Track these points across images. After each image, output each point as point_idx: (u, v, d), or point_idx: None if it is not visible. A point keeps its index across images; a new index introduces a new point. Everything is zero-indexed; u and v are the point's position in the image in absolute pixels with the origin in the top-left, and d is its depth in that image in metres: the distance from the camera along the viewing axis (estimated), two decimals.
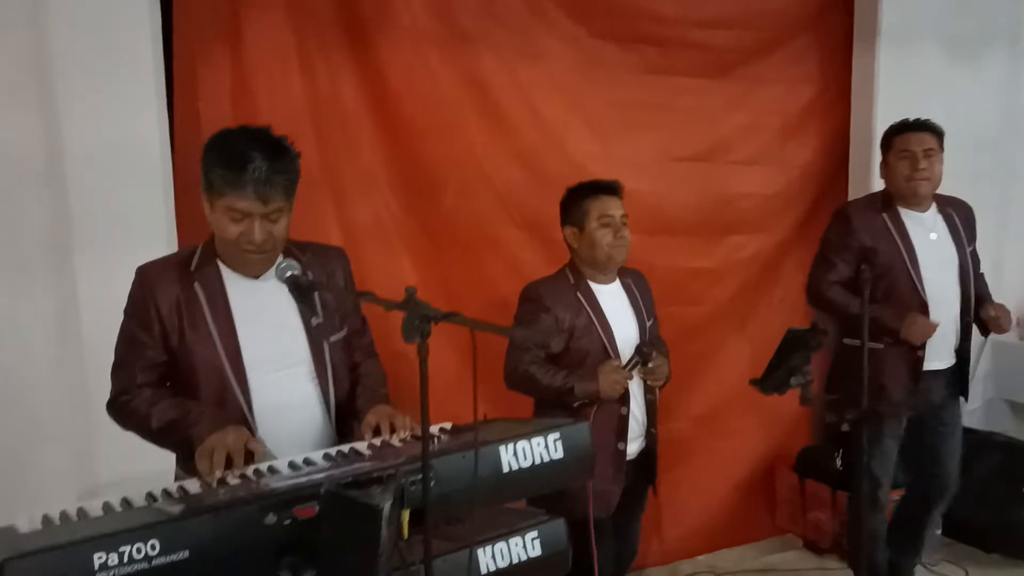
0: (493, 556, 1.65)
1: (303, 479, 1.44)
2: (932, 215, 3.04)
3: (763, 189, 3.80)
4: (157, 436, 1.78)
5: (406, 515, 1.38)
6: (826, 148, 3.93)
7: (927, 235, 3.00)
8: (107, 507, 1.42)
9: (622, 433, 2.57)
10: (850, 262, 2.98)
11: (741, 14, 3.62)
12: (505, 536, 1.68)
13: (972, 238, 3.09)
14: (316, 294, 1.83)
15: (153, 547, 1.22)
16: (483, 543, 1.65)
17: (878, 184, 3.75)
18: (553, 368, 2.55)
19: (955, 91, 3.65)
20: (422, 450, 1.33)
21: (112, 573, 1.18)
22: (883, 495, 3.11)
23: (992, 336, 3.23)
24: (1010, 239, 3.28)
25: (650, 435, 2.69)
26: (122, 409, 1.82)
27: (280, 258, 1.85)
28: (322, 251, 2.03)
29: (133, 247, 2.24)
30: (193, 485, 1.53)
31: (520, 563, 1.68)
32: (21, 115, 2.28)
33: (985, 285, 3.18)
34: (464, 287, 3.29)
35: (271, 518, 1.31)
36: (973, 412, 3.97)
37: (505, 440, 1.57)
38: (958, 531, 3.73)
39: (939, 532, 3.64)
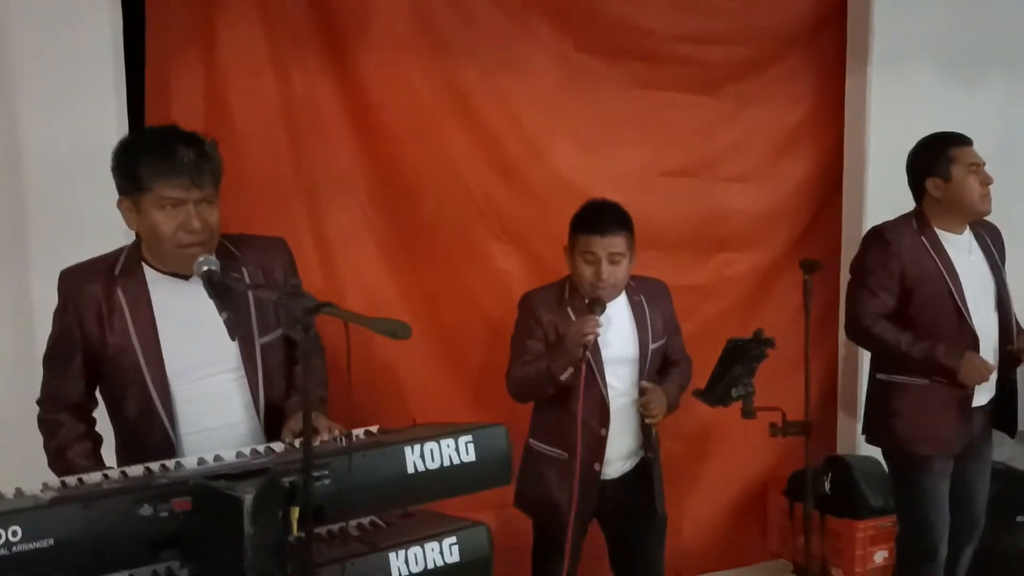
0: (407, 560, 1.62)
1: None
2: (968, 237, 2.84)
3: (755, 205, 3.74)
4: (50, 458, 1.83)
5: (295, 512, 1.35)
6: (821, 166, 3.86)
7: (967, 258, 2.78)
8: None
9: (599, 453, 2.49)
10: (893, 291, 2.74)
11: (733, 30, 3.58)
12: (421, 541, 1.65)
13: (1003, 260, 2.91)
14: (236, 293, 1.79)
15: (14, 533, 1.20)
16: (396, 547, 1.62)
17: (873, 203, 3.70)
18: (533, 361, 2.48)
19: (951, 110, 3.56)
20: (303, 446, 1.29)
21: None
22: (941, 544, 2.84)
23: None
24: (1012, 261, 3.17)
25: (647, 457, 2.61)
26: (41, 424, 1.86)
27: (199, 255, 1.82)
28: (260, 244, 2.01)
29: (90, 248, 2.24)
30: (94, 477, 1.51)
31: (437, 568, 1.65)
32: None
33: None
34: (444, 298, 3.28)
35: (146, 509, 1.29)
36: None
37: (411, 441, 1.54)
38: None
39: None
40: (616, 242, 2.45)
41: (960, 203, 2.76)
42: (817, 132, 3.84)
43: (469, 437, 1.59)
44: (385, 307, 3.17)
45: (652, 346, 2.57)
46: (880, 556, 3.43)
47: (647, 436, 2.58)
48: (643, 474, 2.62)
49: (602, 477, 2.54)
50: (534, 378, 2.44)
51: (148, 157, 1.73)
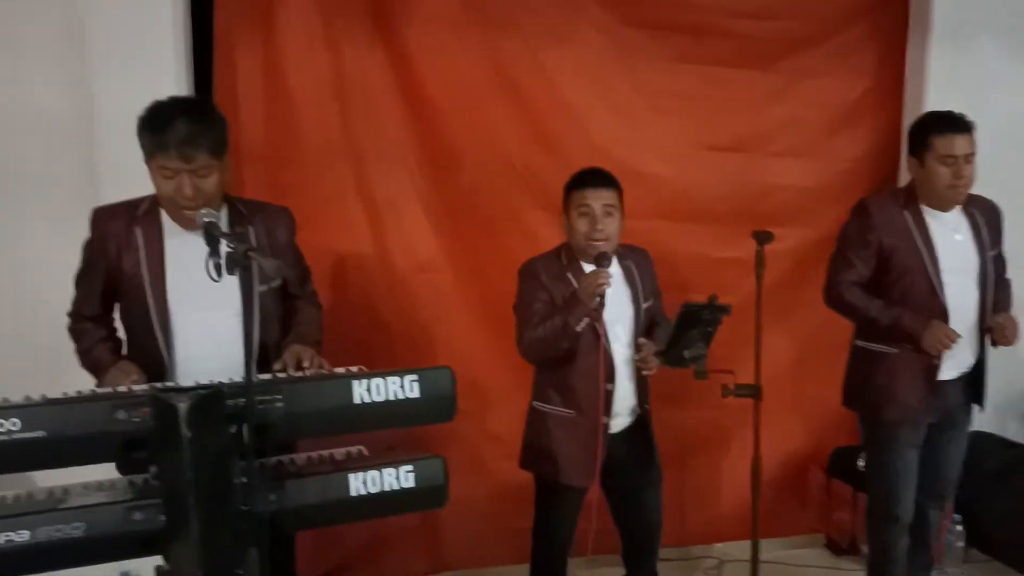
0: (364, 482, 1.85)
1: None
2: (956, 215, 2.87)
3: (805, 181, 3.74)
4: (82, 361, 2.17)
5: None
6: (879, 143, 3.81)
7: (951, 236, 2.83)
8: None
9: (606, 408, 2.64)
10: (868, 261, 2.85)
11: (787, 5, 3.59)
12: (379, 466, 1.87)
13: (996, 241, 2.92)
14: (225, 243, 2.00)
15: (14, 424, 1.50)
16: (355, 469, 1.85)
17: None
18: (547, 318, 2.61)
19: (1014, 87, 3.43)
20: (245, 370, 1.52)
21: None
22: (901, 510, 2.92)
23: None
24: None
25: (643, 411, 2.75)
26: (71, 332, 2.21)
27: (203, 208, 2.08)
28: (269, 209, 2.29)
29: None
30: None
31: (392, 491, 1.86)
32: (57, 83, 2.72)
33: (1009, 294, 2.99)
34: (487, 262, 3.46)
35: (121, 414, 1.56)
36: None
37: (359, 376, 1.75)
38: (993, 547, 3.54)
39: (962, 544, 3.47)
40: (608, 195, 2.62)
41: (929, 189, 2.80)
42: (876, 108, 3.78)
43: (415, 376, 1.78)
44: (430, 269, 3.41)
45: (644, 305, 2.72)
46: None
47: (643, 390, 2.72)
48: (641, 428, 2.76)
49: (609, 432, 2.67)
50: (551, 334, 2.58)
51: (148, 130, 2.00)
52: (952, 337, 2.72)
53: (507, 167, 3.41)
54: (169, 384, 1.83)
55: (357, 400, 1.75)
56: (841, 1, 3.64)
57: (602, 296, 2.47)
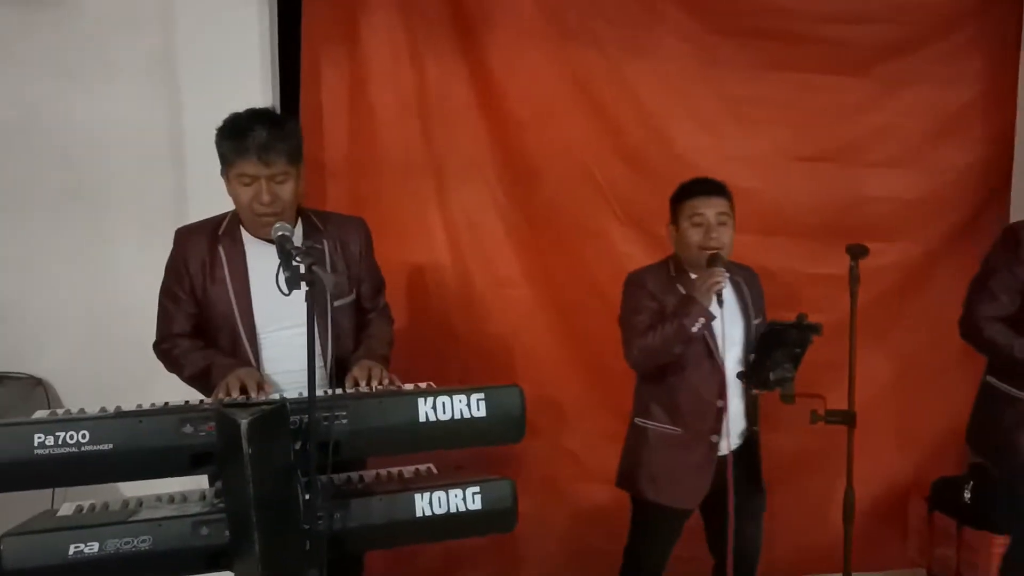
0: (430, 503, 1.81)
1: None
2: None
3: (905, 193, 3.54)
4: (190, 381, 2.11)
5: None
6: (989, 154, 3.58)
7: None
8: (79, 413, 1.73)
9: (716, 427, 2.52)
10: (1015, 296, 2.58)
11: (883, 9, 3.41)
12: (446, 487, 1.83)
13: None
14: (302, 259, 1.98)
15: (84, 436, 1.51)
16: (422, 489, 1.82)
17: None
18: (656, 326, 2.51)
19: None
20: (308, 387, 1.51)
21: (48, 451, 1.50)
22: None
23: None
24: None
25: (752, 432, 2.64)
26: (162, 355, 2.18)
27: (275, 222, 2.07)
28: (343, 221, 2.27)
29: None
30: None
31: (458, 513, 1.82)
32: (150, 102, 2.81)
33: None
34: (564, 276, 3.41)
35: (188, 428, 1.56)
36: None
37: (425, 393, 1.71)
38: None
39: None
40: (721, 203, 2.53)
41: None
42: (984, 116, 3.55)
43: (481, 395, 1.74)
44: (507, 283, 3.38)
45: (755, 322, 2.60)
46: None
47: (753, 411, 2.59)
48: (750, 452, 2.63)
49: (718, 454, 2.55)
50: (664, 339, 2.45)
51: (228, 137, 2.02)
52: None
53: (587, 181, 3.35)
54: (239, 399, 1.83)
55: (422, 418, 1.71)
56: (944, 4, 3.44)
57: (719, 294, 2.37)
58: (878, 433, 3.58)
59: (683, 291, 2.52)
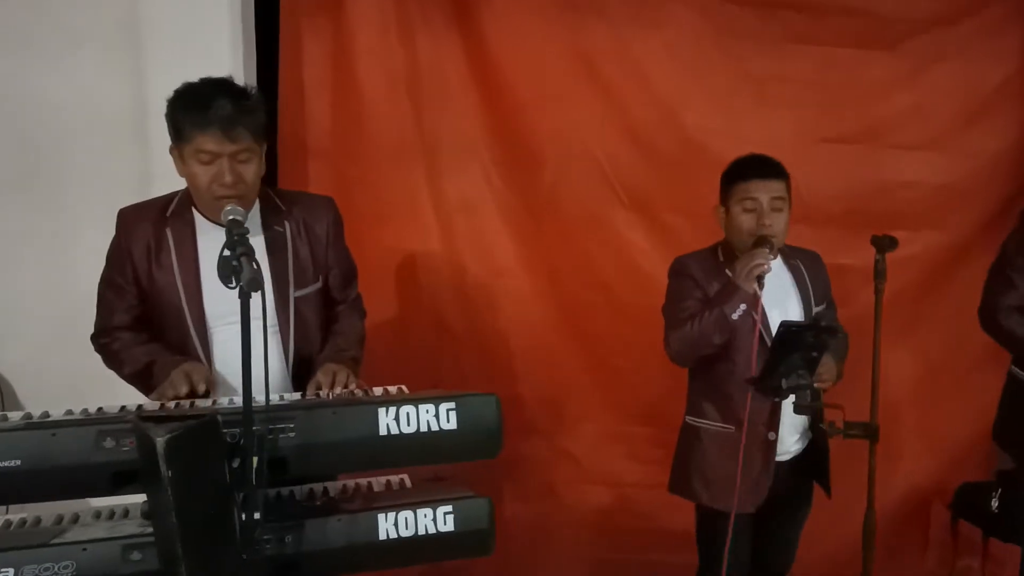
0: (395, 524, 1.60)
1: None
2: None
3: (935, 178, 3.30)
4: (130, 379, 1.91)
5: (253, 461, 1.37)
6: None
7: None
8: None
9: (772, 422, 2.31)
10: None
11: None
12: (414, 505, 1.61)
13: None
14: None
15: None
16: (386, 508, 1.60)
17: None
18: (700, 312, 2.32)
19: None
20: (243, 398, 1.29)
21: None
22: None
23: None
24: None
25: (817, 430, 2.40)
26: (101, 350, 1.97)
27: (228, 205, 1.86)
28: (309, 201, 2.05)
29: None
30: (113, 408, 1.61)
31: (427, 536, 1.61)
32: (114, 77, 2.60)
33: None
34: (565, 266, 3.21)
35: (109, 442, 1.36)
36: None
37: (386, 402, 1.50)
38: None
39: None
40: (777, 186, 2.32)
41: None
42: (1021, 98, 3.30)
43: (452, 404, 1.51)
44: (504, 273, 3.18)
45: (816, 310, 2.40)
46: None
47: (816, 408, 2.35)
48: (816, 456, 2.44)
49: (776, 457, 2.35)
50: (703, 328, 2.26)
51: (187, 109, 1.79)
52: None
53: (591, 164, 3.14)
54: (170, 406, 1.62)
55: (383, 431, 1.49)
56: None
57: (760, 278, 2.16)
58: (899, 435, 3.41)
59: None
